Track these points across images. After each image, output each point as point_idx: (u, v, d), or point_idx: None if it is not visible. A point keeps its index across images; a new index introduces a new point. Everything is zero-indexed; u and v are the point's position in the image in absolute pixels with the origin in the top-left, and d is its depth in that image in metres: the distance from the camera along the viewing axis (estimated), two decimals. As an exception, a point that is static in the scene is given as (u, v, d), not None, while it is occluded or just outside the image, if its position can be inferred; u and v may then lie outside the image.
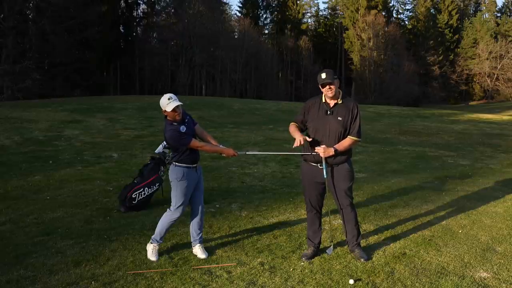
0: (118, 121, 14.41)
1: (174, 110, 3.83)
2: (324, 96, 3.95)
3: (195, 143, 3.94)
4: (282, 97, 49.13)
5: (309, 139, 3.90)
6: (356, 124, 3.89)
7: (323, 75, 3.84)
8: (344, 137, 3.90)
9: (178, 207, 4.02)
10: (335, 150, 3.84)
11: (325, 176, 3.90)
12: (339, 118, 3.88)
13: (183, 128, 3.92)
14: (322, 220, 4.31)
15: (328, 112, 3.90)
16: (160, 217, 4.16)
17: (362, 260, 3.97)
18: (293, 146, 3.88)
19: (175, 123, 3.92)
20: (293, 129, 4.03)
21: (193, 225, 4.18)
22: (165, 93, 4.02)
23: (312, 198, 4.09)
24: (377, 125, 16.60)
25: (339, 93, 3.95)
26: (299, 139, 3.84)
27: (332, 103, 3.92)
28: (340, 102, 3.92)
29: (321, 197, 4.12)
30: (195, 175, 4.05)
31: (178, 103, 3.85)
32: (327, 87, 3.85)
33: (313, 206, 4.12)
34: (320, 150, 3.82)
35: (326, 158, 3.86)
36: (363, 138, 4.24)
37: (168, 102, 3.83)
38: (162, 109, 3.90)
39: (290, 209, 5.61)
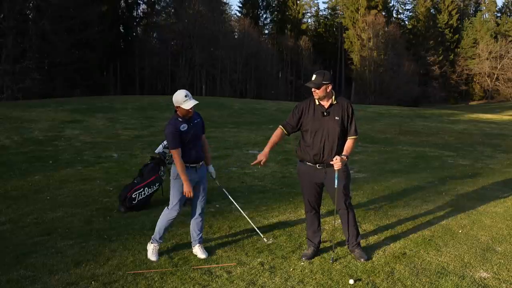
0: (118, 121, 14.41)
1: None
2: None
3: (176, 153, 3.87)
4: (282, 97, 49.12)
5: (263, 162, 3.92)
6: (353, 124, 3.95)
7: (313, 77, 3.88)
8: (342, 136, 3.92)
9: (174, 205, 4.02)
10: (347, 157, 3.87)
11: (336, 187, 3.90)
12: (336, 118, 3.90)
13: (184, 127, 3.89)
14: (322, 220, 4.31)
15: (325, 114, 3.90)
16: (160, 217, 4.16)
17: (362, 260, 3.98)
18: (251, 164, 3.96)
19: (180, 119, 3.90)
20: (272, 140, 4.01)
21: (193, 225, 4.18)
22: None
23: (311, 198, 4.10)
24: (377, 125, 16.57)
25: (332, 93, 3.95)
26: (260, 159, 3.91)
27: (327, 104, 3.93)
28: (334, 102, 3.93)
29: (320, 196, 4.15)
30: (194, 175, 4.03)
31: (195, 102, 3.85)
32: (312, 89, 3.89)
33: (312, 206, 4.13)
34: (337, 162, 3.80)
35: (328, 162, 3.86)
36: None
37: (185, 100, 3.81)
38: (174, 104, 3.88)
39: (290, 209, 5.61)
